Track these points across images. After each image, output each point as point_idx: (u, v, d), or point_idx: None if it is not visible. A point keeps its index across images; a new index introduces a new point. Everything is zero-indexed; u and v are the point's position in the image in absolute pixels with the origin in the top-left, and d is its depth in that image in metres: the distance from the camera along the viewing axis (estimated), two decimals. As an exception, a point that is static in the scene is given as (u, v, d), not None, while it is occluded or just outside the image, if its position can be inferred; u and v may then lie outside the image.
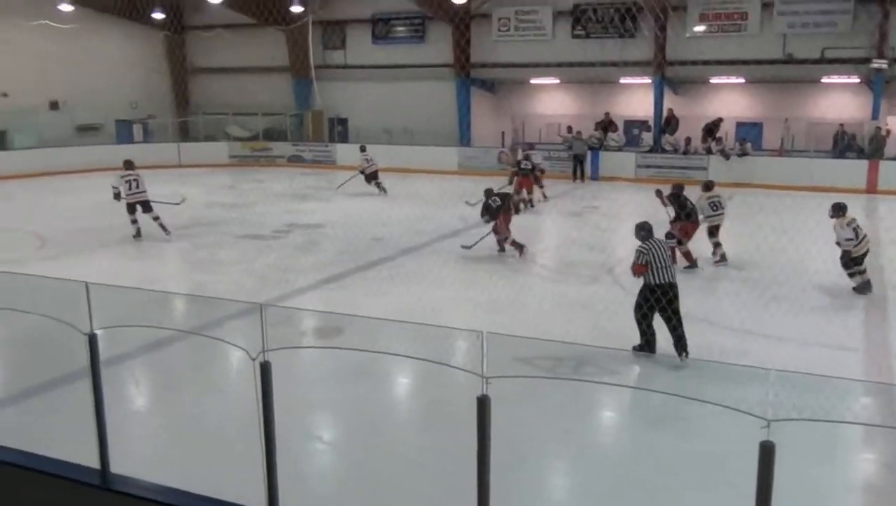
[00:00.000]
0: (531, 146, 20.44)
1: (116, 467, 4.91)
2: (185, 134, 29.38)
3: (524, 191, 17.66)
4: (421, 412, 7.30)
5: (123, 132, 27.85)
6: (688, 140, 22.45)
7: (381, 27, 27.35)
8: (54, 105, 26.88)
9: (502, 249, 13.02)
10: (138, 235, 14.60)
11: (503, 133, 25.48)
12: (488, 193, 13.15)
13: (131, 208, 14.47)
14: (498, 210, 12.79)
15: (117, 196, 14.40)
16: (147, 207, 14.52)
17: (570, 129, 23.67)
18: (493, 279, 11.34)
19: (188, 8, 29.12)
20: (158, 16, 26.97)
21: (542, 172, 18.97)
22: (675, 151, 22.54)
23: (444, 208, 15.90)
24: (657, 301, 7.82)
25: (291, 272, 12.07)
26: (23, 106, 25.36)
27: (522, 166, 17.98)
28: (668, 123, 23.44)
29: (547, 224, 16.89)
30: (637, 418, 6.96)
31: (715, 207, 12.28)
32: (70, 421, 6.13)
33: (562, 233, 16.27)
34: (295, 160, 26.80)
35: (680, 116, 23.44)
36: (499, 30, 25.20)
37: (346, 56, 28.28)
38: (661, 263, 7.89)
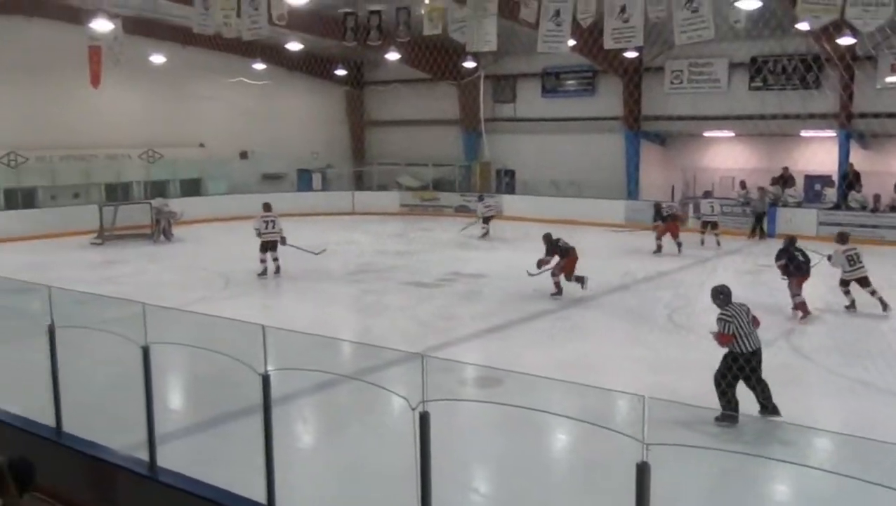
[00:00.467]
0: (707, 194, 20.93)
1: (281, 503, 5.11)
2: (359, 183, 30.75)
3: (665, 236, 18.43)
4: (578, 472, 7.13)
5: (304, 180, 29.65)
6: (877, 197, 20.92)
7: (550, 81, 27.60)
8: (244, 155, 29.00)
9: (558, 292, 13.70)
10: (264, 274, 15.69)
11: (673, 187, 24.83)
12: (547, 237, 14.05)
13: (264, 247, 15.65)
14: (566, 253, 13.70)
15: (259, 234, 15.70)
16: (275, 247, 15.63)
17: (743, 184, 22.76)
18: (660, 338, 10.98)
19: (368, 65, 30.79)
20: (341, 72, 28.76)
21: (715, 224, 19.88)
22: (864, 208, 21.07)
23: (610, 262, 15.66)
24: (741, 369, 7.37)
25: (454, 320, 12.24)
26: (217, 155, 27.63)
27: (665, 214, 18.75)
28: (847, 180, 21.91)
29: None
30: (812, 501, 6.43)
31: (852, 262, 12.24)
32: (240, 454, 6.47)
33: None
34: (462, 210, 27.26)
35: (869, 172, 21.87)
36: (671, 82, 24.75)
37: (516, 109, 28.70)
38: (745, 329, 7.50)
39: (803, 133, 23.32)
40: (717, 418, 7.50)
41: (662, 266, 16.58)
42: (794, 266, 12.11)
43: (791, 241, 12.64)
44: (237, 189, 27.10)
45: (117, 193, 24.87)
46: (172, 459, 6.02)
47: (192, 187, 27.11)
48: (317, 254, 16.44)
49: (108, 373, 8.33)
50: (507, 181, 28.77)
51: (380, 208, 27.48)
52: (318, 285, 15.12)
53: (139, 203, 22.91)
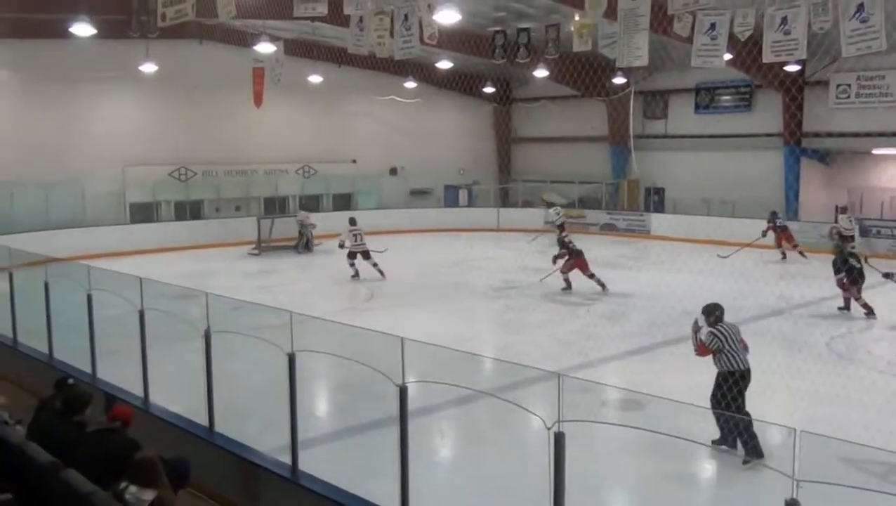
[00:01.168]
0: (844, 210, 20.80)
1: (414, 515, 5.15)
2: (504, 199, 30.87)
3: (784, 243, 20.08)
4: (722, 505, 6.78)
5: (450, 197, 30.10)
6: None
7: (704, 96, 26.70)
8: (393, 171, 29.80)
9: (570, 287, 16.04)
10: (357, 275, 17.46)
11: (836, 207, 23.36)
12: (561, 241, 16.22)
13: (353, 256, 17.51)
14: (573, 255, 15.81)
15: (342, 246, 17.72)
16: (367, 255, 17.43)
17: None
18: (818, 367, 10.31)
19: (515, 82, 30.95)
20: (489, 90, 29.02)
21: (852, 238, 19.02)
22: None
23: (765, 285, 14.90)
24: (736, 384, 7.34)
25: (595, 340, 12.00)
26: (368, 171, 28.53)
27: (778, 224, 20.19)
28: None
29: (887, 310, 15.02)
30: None
31: None
32: (377, 463, 6.58)
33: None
34: (608, 228, 26.81)
35: None
36: (837, 97, 23.30)
37: (667, 125, 27.96)
38: (735, 348, 7.50)
39: None
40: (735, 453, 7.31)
41: (823, 291, 15.58)
42: (856, 273, 13.34)
43: (841, 249, 14.32)
44: (386, 204, 27.85)
45: (275, 206, 26.18)
46: (313, 463, 6.20)
47: (344, 202, 28.13)
48: (381, 252, 17.79)
49: (258, 377, 8.72)
50: (655, 199, 28.01)
51: (524, 225, 27.33)
52: (460, 300, 15.24)
53: (293, 217, 24.03)
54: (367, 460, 7.13)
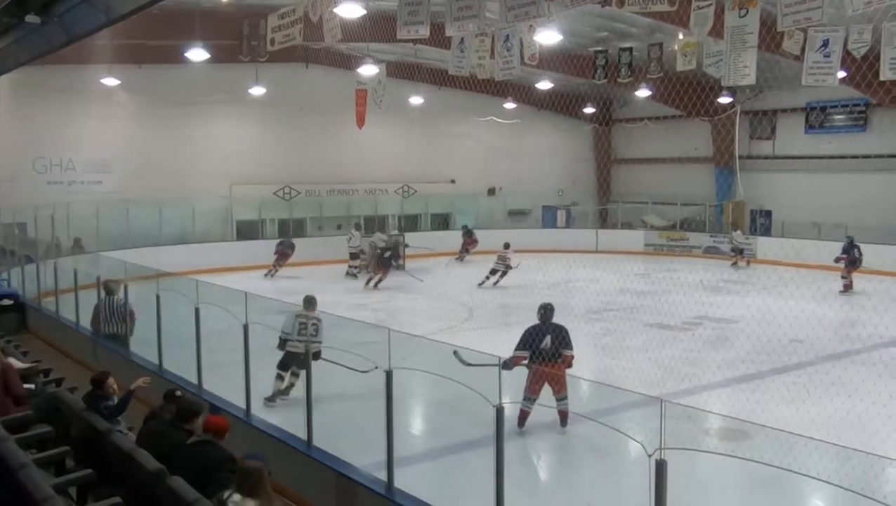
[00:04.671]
0: None
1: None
2: (603, 221, 30.48)
3: None
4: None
5: (548, 217, 29.92)
6: None
7: (816, 116, 25.68)
8: (491, 191, 29.88)
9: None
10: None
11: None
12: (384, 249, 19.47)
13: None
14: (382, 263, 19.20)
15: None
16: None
17: None
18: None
19: (616, 102, 30.57)
20: (589, 110, 28.78)
21: None
22: None
23: (883, 313, 14.13)
24: None
25: (698, 366, 11.63)
26: (466, 192, 28.69)
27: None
28: None
29: None
30: None
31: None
32: (472, 484, 6.52)
33: None
34: (711, 252, 26.06)
35: None
36: (961, 115, 22.07)
37: (775, 146, 27.03)
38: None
39: None
40: None
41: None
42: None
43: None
44: (483, 224, 27.90)
45: (374, 224, 26.58)
46: (408, 481, 6.19)
47: (442, 222, 28.36)
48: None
49: (356, 393, 8.81)
50: (762, 222, 27.06)
51: (623, 247, 26.94)
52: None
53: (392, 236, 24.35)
54: (463, 480, 7.08)
